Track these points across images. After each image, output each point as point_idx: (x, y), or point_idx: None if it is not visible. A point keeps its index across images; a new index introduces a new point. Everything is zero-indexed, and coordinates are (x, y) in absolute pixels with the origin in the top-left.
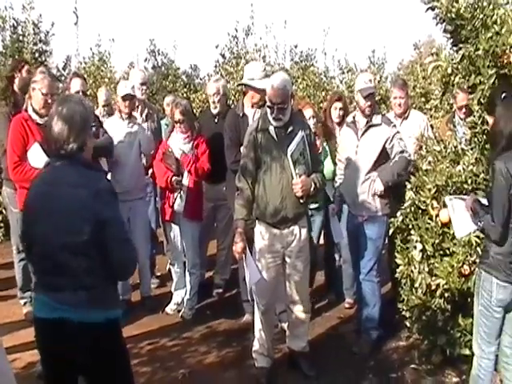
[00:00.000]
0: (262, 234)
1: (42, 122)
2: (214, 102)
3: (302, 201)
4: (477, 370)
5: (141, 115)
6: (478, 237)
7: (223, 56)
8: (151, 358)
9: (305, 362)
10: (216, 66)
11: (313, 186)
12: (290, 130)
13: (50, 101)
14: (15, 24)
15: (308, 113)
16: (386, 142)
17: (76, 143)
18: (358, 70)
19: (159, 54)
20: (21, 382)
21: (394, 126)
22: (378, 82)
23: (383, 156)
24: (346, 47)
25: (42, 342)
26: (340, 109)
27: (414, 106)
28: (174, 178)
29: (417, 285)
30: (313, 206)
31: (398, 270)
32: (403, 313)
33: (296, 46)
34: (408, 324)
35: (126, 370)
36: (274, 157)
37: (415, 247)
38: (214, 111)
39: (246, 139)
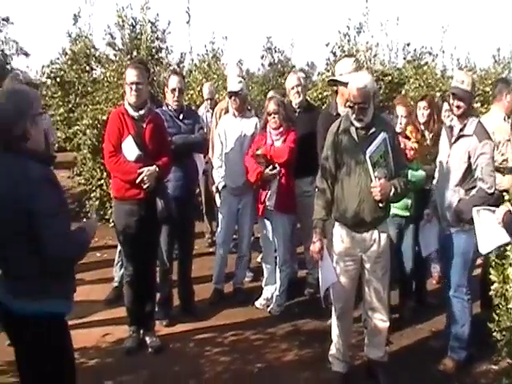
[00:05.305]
0: (341, 237)
1: (136, 116)
2: (297, 93)
3: (380, 205)
4: None
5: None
6: None
7: (334, 54)
8: (232, 348)
9: (382, 372)
10: (327, 64)
11: (393, 190)
12: (371, 131)
13: (135, 92)
14: (134, 23)
15: (399, 111)
16: (470, 157)
17: (13, 132)
18: (478, 70)
19: (276, 51)
20: (109, 355)
21: (488, 139)
22: None
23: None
24: (468, 45)
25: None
26: (424, 108)
27: None
28: (265, 171)
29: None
30: (403, 213)
31: (492, 288)
32: (494, 334)
33: (408, 44)
34: (498, 346)
35: (60, 372)
36: (353, 158)
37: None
38: (296, 101)
39: (327, 140)
